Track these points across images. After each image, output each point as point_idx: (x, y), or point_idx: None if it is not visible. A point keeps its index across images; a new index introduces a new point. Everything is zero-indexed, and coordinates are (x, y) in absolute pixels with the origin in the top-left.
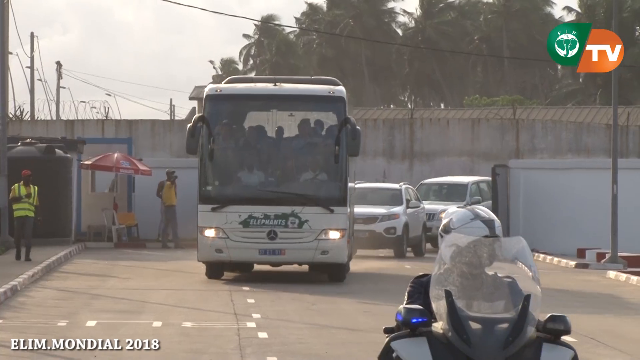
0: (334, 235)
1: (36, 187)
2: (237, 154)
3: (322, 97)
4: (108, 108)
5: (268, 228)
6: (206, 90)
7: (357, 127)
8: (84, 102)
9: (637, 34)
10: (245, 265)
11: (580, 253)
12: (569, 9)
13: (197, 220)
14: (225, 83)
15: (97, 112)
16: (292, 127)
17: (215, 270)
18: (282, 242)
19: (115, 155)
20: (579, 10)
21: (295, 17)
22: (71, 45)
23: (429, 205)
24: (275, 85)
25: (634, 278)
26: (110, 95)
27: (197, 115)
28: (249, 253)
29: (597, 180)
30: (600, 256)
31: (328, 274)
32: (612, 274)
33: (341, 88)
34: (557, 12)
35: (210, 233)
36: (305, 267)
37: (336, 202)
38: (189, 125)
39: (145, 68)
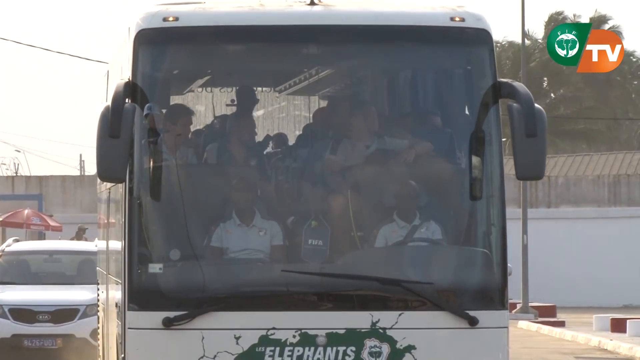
0: None
1: None
2: (223, 180)
3: (439, 32)
4: (18, 164)
5: None
6: (139, 21)
7: (536, 105)
8: None
9: (544, 85)
10: None
11: None
12: None
13: (123, 350)
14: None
15: (7, 169)
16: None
17: None
18: None
19: (26, 211)
20: None
21: None
22: None
23: None
24: (311, 4)
25: (546, 328)
26: (19, 151)
27: (120, 84)
28: None
29: (507, 230)
30: (512, 306)
31: None
32: (523, 324)
33: (478, 13)
34: None
35: None
36: None
37: (483, 298)
38: (102, 110)
39: (54, 123)
